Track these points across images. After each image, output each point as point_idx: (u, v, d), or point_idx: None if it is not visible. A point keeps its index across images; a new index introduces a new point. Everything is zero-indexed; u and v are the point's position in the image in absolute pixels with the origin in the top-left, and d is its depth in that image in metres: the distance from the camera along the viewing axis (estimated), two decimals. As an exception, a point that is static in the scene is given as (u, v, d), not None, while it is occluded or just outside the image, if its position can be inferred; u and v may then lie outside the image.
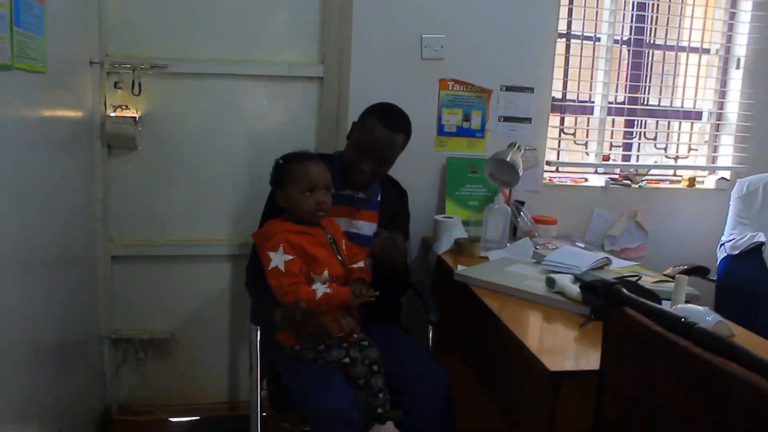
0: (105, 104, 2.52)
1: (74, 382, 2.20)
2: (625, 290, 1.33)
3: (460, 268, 2.25)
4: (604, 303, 1.39)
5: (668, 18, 3.08)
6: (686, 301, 1.95)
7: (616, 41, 3.03)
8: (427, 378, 2.02)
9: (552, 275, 2.00)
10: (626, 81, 3.10)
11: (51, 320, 2.01)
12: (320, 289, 1.91)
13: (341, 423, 1.80)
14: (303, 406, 1.91)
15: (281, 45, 2.71)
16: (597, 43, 3.00)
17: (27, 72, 1.75)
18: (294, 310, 1.89)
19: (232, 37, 2.64)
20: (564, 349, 1.70)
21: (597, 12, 2.99)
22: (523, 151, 2.69)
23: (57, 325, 2.05)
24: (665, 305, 1.83)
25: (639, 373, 1.28)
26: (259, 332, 2.09)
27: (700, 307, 1.84)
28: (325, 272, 1.99)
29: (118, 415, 2.75)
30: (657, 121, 3.21)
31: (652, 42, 3.13)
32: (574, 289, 1.90)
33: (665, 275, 2.36)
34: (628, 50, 3.10)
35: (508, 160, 2.52)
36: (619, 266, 2.29)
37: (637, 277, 1.99)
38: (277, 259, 1.93)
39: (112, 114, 2.52)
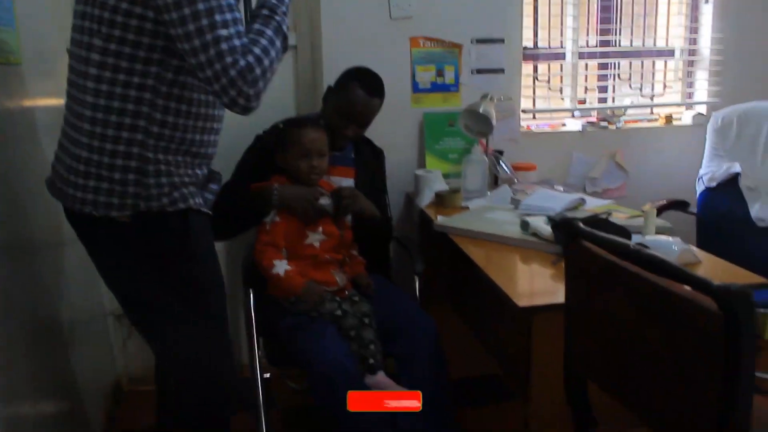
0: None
1: (82, 357, 2.27)
2: (581, 224, 1.40)
3: (440, 219, 2.33)
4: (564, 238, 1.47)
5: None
6: (658, 234, 2.02)
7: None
8: (415, 327, 2.11)
9: (526, 218, 2.07)
10: (597, 24, 3.13)
11: (54, 300, 2.08)
12: (280, 267, 2.05)
13: (337, 373, 1.89)
14: (299, 358, 1.99)
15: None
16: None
17: (2, 65, 1.79)
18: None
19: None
20: (537, 287, 1.78)
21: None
22: (496, 101, 2.74)
23: (60, 304, 2.13)
24: (636, 239, 1.90)
25: (598, 301, 1.36)
26: (252, 292, 2.18)
27: (667, 237, 1.91)
28: (320, 229, 2.14)
29: (128, 386, 2.84)
30: (630, 62, 3.25)
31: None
32: (547, 230, 1.97)
33: (643, 211, 2.43)
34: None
35: (480, 111, 2.58)
36: (594, 205, 2.35)
37: (607, 214, 2.05)
38: (269, 218, 2.11)
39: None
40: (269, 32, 1.53)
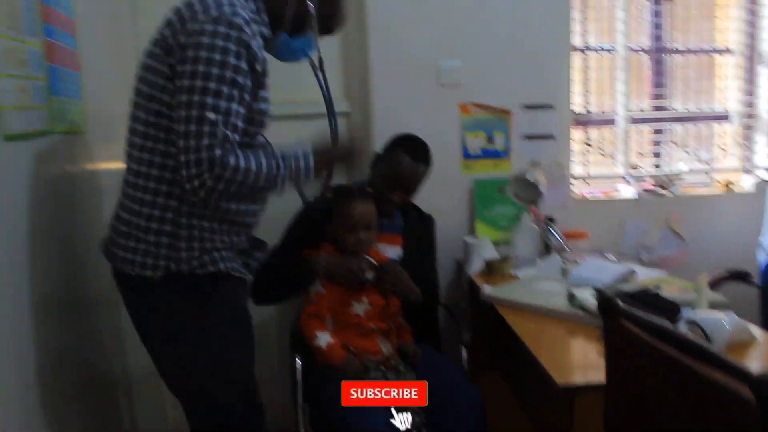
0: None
1: (135, 412, 2.32)
2: (619, 301, 1.37)
3: (487, 288, 2.31)
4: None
5: (688, 22, 3.08)
6: (711, 308, 1.95)
7: (634, 50, 3.04)
8: (460, 400, 2.07)
9: (573, 290, 2.03)
10: (649, 89, 3.10)
11: (108, 355, 2.15)
12: (322, 338, 2.07)
13: None
14: (341, 426, 1.97)
15: (307, 84, 2.81)
16: (613, 53, 3.02)
17: (67, 134, 1.91)
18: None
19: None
20: (580, 363, 1.74)
21: (610, 23, 3.01)
22: (546, 167, 2.73)
23: (114, 360, 2.18)
24: (687, 313, 1.83)
25: (635, 382, 1.32)
26: (299, 359, 2.19)
27: (719, 313, 1.84)
28: (364, 298, 2.15)
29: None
30: (685, 127, 3.19)
31: (672, 47, 3.12)
32: (594, 303, 1.91)
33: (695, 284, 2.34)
34: (649, 57, 3.10)
35: (529, 178, 2.57)
36: (646, 277, 2.29)
37: (657, 288, 1.99)
38: (314, 288, 2.14)
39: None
40: (265, 164, 1.57)
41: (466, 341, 2.32)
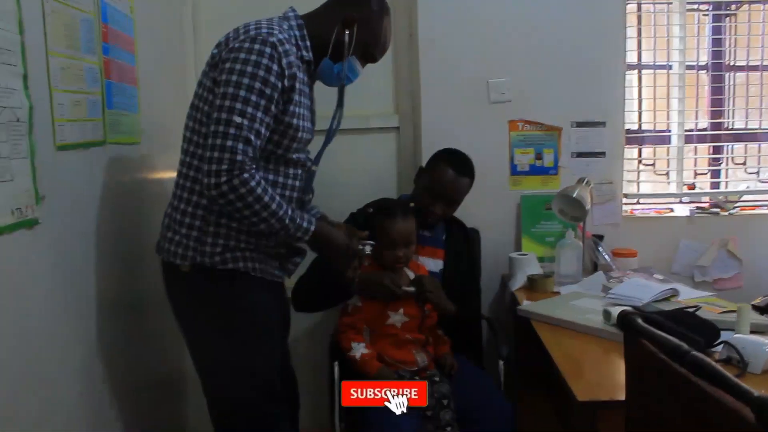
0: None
1: (191, 407, 2.44)
2: (639, 320, 1.36)
3: (525, 303, 2.30)
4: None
5: (748, 38, 3.00)
6: (754, 332, 1.90)
7: (691, 67, 2.98)
8: (492, 413, 2.09)
9: (609, 308, 2.01)
10: (708, 107, 3.03)
11: (165, 353, 2.28)
12: (357, 350, 2.13)
13: None
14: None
15: (359, 99, 2.86)
16: (669, 71, 2.97)
17: (120, 144, 2.03)
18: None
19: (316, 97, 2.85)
20: (607, 380, 1.72)
21: (668, 40, 2.97)
22: (592, 185, 2.70)
23: (169, 357, 2.30)
24: (726, 336, 1.80)
25: (652, 400, 1.31)
26: (337, 365, 2.24)
27: (759, 337, 1.79)
28: (401, 310, 2.18)
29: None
30: (746, 145, 3.10)
31: (732, 64, 3.05)
32: (628, 321, 1.90)
33: (754, 305, 2.27)
34: (707, 75, 3.03)
35: (574, 196, 2.55)
36: (690, 297, 2.24)
37: (695, 308, 1.95)
38: (351, 301, 2.20)
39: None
40: (275, 206, 1.66)
41: (504, 355, 2.31)
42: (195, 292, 1.79)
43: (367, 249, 2.09)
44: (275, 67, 1.63)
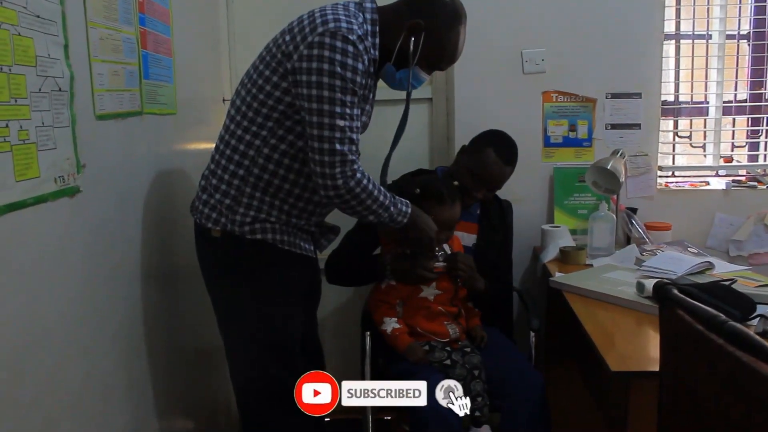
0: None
1: (222, 378, 2.49)
2: (675, 290, 1.35)
3: (557, 275, 2.30)
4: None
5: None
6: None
7: (731, 36, 2.91)
8: (522, 383, 2.10)
9: (642, 280, 2.00)
10: (748, 77, 2.96)
11: (199, 323, 2.31)
12: (389, 324, 2.15)
13: (435, 421, 1.92)
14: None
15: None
16: (708, 41, 2.90)
17: (157, 115, 2.06)
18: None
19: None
20: (640, 351, 1.72)
21: (708, 9, 2.90)
22: (627, 157, 2.67)
23: (204, 329, 2.34)
24: (763, 309, 1.78)
25: (686, 372, 1.31)
26: (369, 337, 2.26)
27: (796, 310, 1.77)
28: (434, 284, 2.20)
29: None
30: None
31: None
32: (662, 293, 1.89)
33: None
34: (748, 45, 2.96)
35: (609, 167, 2.53)
36: (725, 270, 2.21)
37: (730, 281, 1.93)
38: (385, 280, 2.22)
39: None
40: (382, 198, 1.77)
41: (534, 327, 2.32)
42: (224, 257, 1.84)
43: (440, 257, 2.17)
44: (360, 66, 1.65)
